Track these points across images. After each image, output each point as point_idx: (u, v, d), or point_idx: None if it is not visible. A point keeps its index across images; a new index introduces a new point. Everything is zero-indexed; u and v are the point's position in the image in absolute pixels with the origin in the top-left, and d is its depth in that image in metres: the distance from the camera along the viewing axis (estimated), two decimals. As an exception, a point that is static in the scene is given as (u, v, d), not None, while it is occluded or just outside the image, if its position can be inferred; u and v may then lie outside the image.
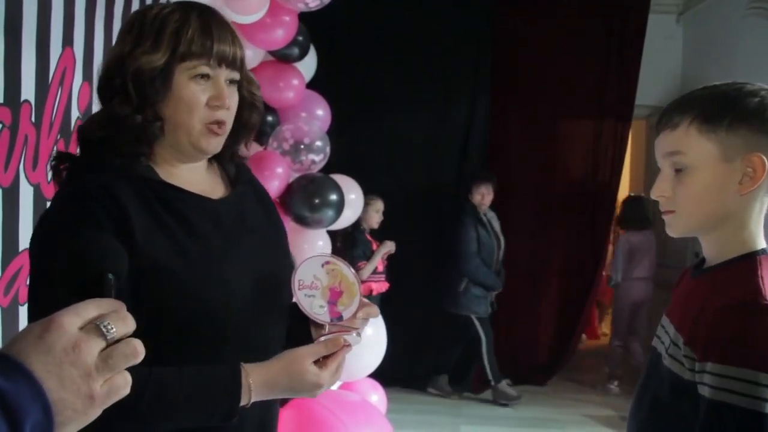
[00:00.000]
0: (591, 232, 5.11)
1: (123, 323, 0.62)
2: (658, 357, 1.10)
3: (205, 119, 1.10)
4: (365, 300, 1.11)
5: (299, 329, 1.17)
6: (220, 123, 1.11)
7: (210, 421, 1.02)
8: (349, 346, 1.09)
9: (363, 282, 1.80)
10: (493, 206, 4.76)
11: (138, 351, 0.61)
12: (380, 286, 4.33)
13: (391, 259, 4.50)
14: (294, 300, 1.11)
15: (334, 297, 1.09)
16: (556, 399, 4.97)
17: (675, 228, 1.10)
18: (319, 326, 1.13)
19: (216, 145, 1.13)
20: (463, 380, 4.89)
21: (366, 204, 3.89)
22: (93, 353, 0.60)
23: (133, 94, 1.07)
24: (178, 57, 1.08)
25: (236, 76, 1.14)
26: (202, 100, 1.10)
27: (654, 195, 1.09)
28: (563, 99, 5.08)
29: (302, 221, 3.31)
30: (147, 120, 1.08)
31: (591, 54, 5.08)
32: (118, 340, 0.61)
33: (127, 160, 1.07)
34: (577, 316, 5.15)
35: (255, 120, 1.19)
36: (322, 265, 1.09)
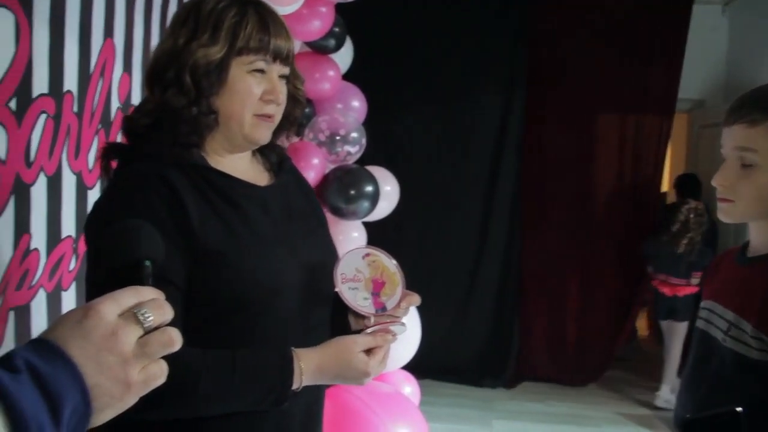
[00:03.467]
0: (635, 229, 4.94)
1: (160, 311, 0.62)
2: (712, 340, 1.14)
3: (256, 111, 1.12)
4: (409, 291, 1.12)
5: (339, 318, 1.17)
6: (269, 116, 1.13)
7: (261, 404, 1.03)
8: (394, 335, 1.10)
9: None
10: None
11: (174, 339, 0.62)
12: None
13: (426, 248, 4.49)
14: (338, 293, 1.12)
15: (377, 288, 1.10)
16: (589, 396, 4.89)
17: (731, 215, 1.12)
18: (362, 317, 1.14)
19: (267, 135, 1.15)
20: (501, 374, 4.83)
21: None
22: (130, 341, 0.60)
23: (189, 86, 1.07)
24: (235, 51, 1.09)
25: (287, 71, 1.16)
26: (257, 93, 1.11)
27: (716, 182, 1.11)
28: (604, 93, 4.93)
29: (337, 212, 3.27)
30: (202, 112, 1.09)
31: (633, 47, 4.93)
32: (156, 329, 0.62)
33: (180, 149, 1.08)
34: (623, 316, 4.99)
35: (298, 113, 1.21)
36: (363, 258, 1.10)
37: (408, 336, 2.77)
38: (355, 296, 1.10)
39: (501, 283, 4.83)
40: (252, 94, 1.10)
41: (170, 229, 0.99)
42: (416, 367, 3.25)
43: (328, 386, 1.17)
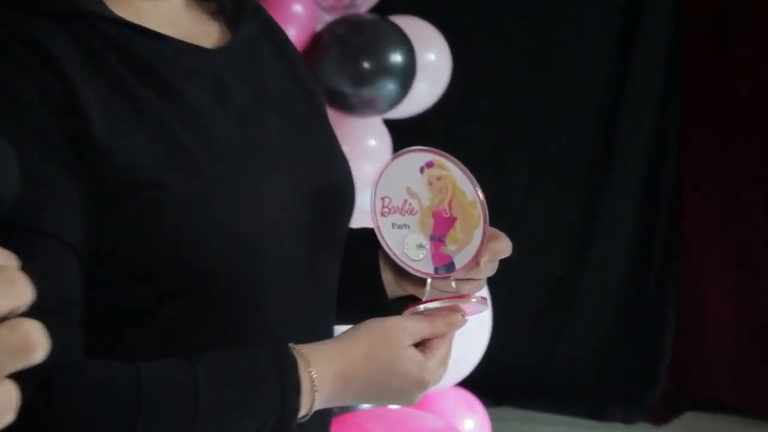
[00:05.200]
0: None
1: (7, 288, 0.43)
2: None
3: None
4: (494, 230, 0.81)
5: (369, 280, 0.89)
6: None
7: None
8: (465, 316, 0.82)
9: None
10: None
11: (34, 342, 0.42)
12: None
13: (498, 171, 3.23)
14: (374, 233, 0.83)
15: (442, 228, 0.82)
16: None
17: None
18: (413, 279, 0.85)
19: None
20: (640, 399, 3.37)
21: None
22: None
23: None
24: None
25: None
26: None
27: None
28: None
29: (339, 102, 2.32)
30: None
31: None
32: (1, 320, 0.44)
33: None
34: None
35: None
36: (422, 170, 0.81)
37: (468, 334, 1.61)
38: (404, 240, 0.82)
39: (639, 243, 3.36)
40: None
41: (46, 138, 0.73)
42: (483, 384, 2.41)
43: (341, 411, 0.94)
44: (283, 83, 0.90)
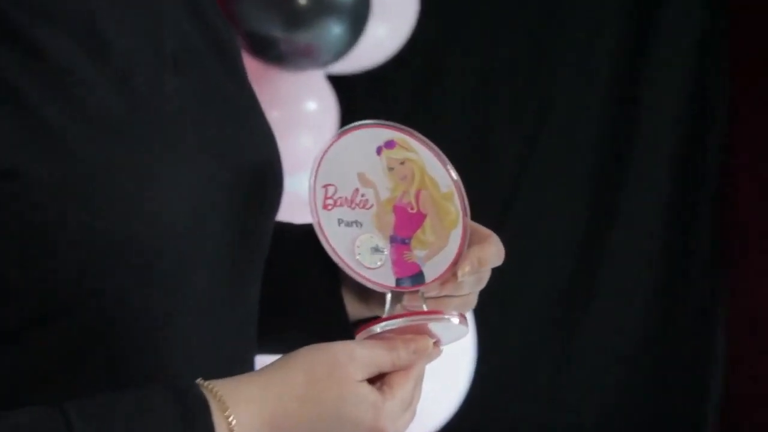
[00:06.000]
0: None
1: None
2: None
3: None
4: (479, 228, 0.74)
5: (313, 293, 0.83)
6: None
7: None
8: (438, 345, 0.73)
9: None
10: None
11: None
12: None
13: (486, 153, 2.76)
14: (316, 233, 0.75)
15: (406, 228, 0.75)
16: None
17: None
18: (369, 293, 0.79)
19: None
20: None
21: None
22: None
23: None
24: None
25: None
26: None
27: None
28: None
29: (265, 51, 1.96)
30: None
31: None
32: None
33: None
34: None
35: None
36: (379, 150, 0.75)
37: (448, 361, 1.21)
38: (353, 242, 0.74)
39: (672, 242, 2.88)
40: None
41: None
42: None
43: None
44: (184, 31, 0.81)
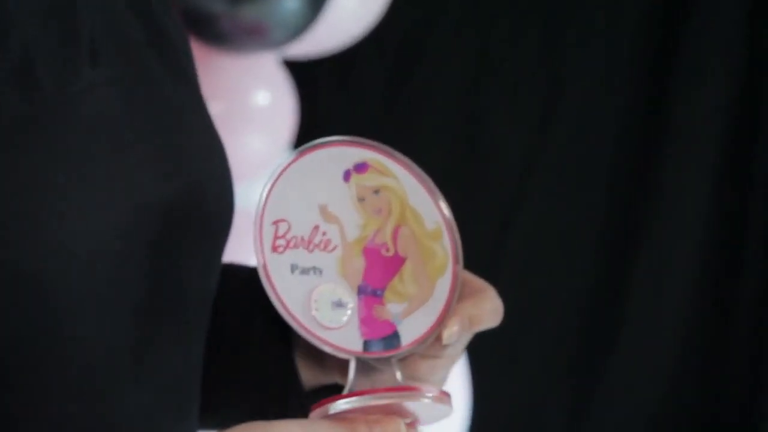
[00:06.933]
0: None
1: None
2: None
3: None
4: (472, 279, 0.68)
5: (261, 354, 0.75)
6: None
7: None
8: (414, 425, 0.64)
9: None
10: None
11: None
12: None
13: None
14: (261, 281, 0.66)
15: (380, 276, 0.67)
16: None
17: None
18: (329, 360, 0.72)
19: None
20: None
21: None
22: None
23: None
24: None
25: None
26: None
27: None
28: None
29: (206, 31, 1.67)
30: None
31: None
32: None
33: None
34: None
35: None
36: (347, 175, 0.67)
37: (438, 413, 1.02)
38: (309, 295, 0.66)
39: (717, 251, 2.38)
40: None
41: None
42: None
43: None
44: (114, 20, 0.71)
